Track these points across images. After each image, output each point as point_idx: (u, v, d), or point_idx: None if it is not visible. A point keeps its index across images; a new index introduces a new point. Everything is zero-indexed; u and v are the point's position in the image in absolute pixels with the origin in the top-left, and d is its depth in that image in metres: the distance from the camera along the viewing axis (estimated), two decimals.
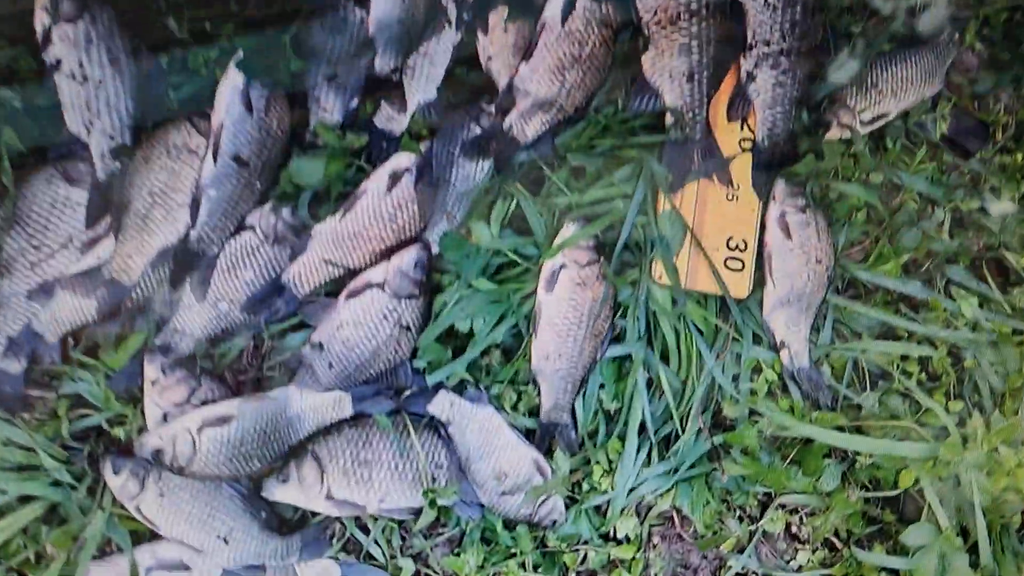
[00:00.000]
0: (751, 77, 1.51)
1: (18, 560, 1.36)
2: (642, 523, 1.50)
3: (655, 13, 1.44)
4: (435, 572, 1.47)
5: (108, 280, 1.38)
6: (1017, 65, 1.62)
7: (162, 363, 1.38)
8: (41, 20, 1.36)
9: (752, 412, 1.51)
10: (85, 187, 1.39)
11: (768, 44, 1.50)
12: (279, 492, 1.40)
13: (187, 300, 1.42)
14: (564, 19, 1.44)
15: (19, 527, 1.35)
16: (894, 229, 1.57)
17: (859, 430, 1.51)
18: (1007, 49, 1.63)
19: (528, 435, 1.50)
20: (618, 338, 1.50)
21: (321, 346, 1.39)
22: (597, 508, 1.49)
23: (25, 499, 1.36)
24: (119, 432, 1.41)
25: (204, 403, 1.39)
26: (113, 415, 1.41)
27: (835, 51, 1.58)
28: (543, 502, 1.47)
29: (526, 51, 1.47)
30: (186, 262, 1.40)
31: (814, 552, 1.53)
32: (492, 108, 1.49)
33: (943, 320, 1.56)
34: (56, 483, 1.37)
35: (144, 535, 1.39)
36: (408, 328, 1.41)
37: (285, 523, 1.46)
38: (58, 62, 1.36)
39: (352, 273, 1.45)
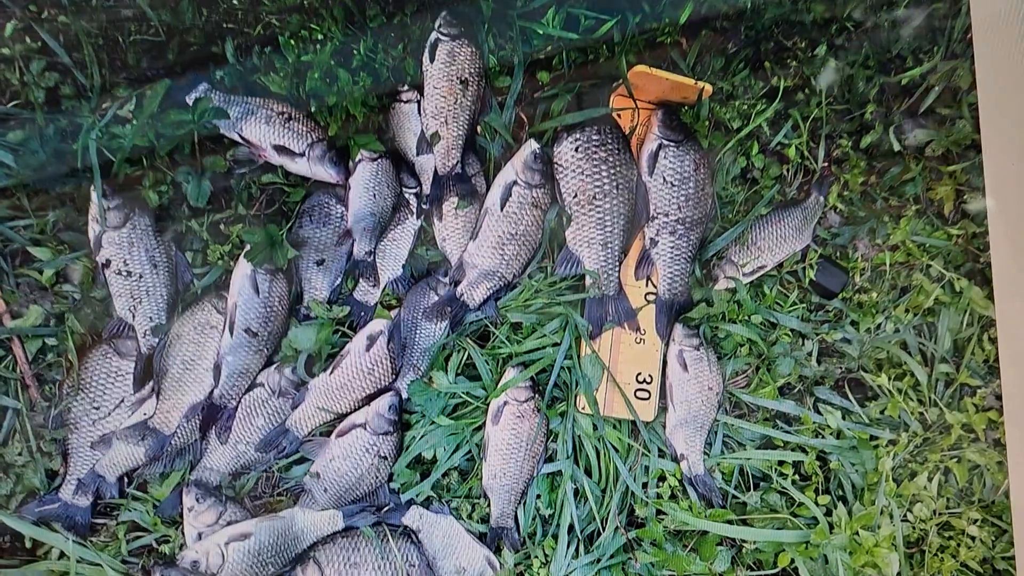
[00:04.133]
0: (653, 243, 1.78)
1: None
2: None
3: (575, 195, 1.74)
4: None
5: (152, 431, 1.68)
6: (871, 220, 1.85)
7: (196, 494, 1.67)
8: (92, 228, 1.66)
9: (658, 511, 1.75)
10: (132, 359, 1.70)
11: (667, 215, 1.77)
12: None
13: (213, 444, 1.72)
14: (503, 204, 1.72)
15: None
16: (771, 360, 1.81)
17: (745, 522, 1.75)
18: (863, 207, 1.86)
19: (481, 537, 1.75)
20: (550, 458, 1.76)
21: (318, 475, 1.70)
22: None
23: None
24: (165, 549, 1.70)
25: (229, 523, 1.67)
26: (160, 536, 1.71)
27: (720, 217, 1.85)
28: None
29: (472, 232, 1.76)
30: (212, 414, 1.70)
31: None
32: (447, 280, 1.76)
33: (812, 431, 1.80)
34: None
35: None
36: (385, 458, 1.71)
37: None
38: (108, 261, 1.68)
39: (341, 417, 1.74)
